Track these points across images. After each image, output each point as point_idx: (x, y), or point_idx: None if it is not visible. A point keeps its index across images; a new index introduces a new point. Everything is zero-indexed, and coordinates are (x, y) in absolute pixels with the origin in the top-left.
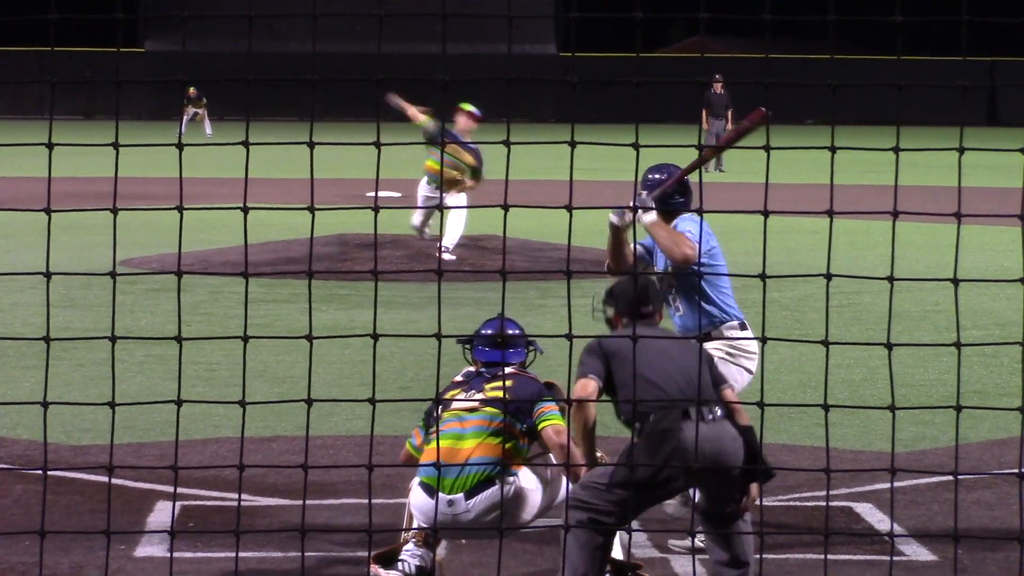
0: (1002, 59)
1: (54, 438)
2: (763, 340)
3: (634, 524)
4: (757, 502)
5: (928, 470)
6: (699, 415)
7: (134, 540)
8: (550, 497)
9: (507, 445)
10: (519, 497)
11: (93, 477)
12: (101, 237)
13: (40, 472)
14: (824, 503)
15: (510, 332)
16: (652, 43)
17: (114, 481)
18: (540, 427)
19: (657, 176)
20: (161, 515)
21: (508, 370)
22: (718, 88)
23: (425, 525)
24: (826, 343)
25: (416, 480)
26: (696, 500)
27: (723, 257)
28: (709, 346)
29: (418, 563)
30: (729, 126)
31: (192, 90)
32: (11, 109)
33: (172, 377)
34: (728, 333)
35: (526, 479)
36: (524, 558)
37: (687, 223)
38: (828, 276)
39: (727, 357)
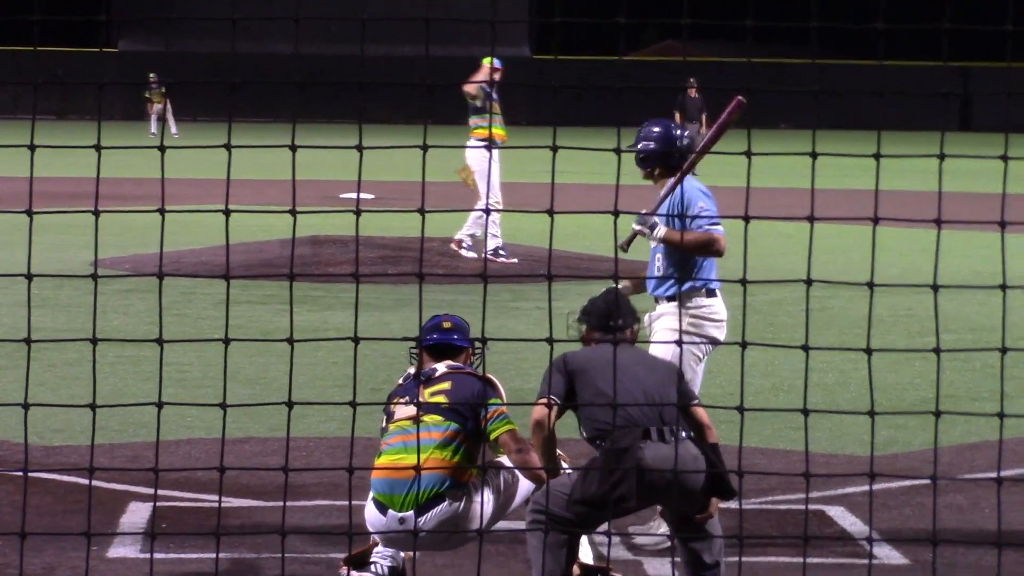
0: (976, 64)
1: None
2: (743, 345)
3: (605, 527)
4: (725, 505)
5: (905, 474)
6: (661, 435)
7: (106, 541)
8: (504, 502)
9: (455, 458)
10: (471, 509)
11: (65, 478)
12: (72, 237)
13: (10, 473)
14: (797, 506)
15: (454, 322)
16: (625, 47)
17: (87, 482)
18: (494, 435)
19: (656, 130)
20: (134, 516)
21: (443, 368)
22: (692, 92)
23: (379, 540)
24: (806, 348)
25: (370, 493)
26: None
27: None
28: (672, 324)
29: (390, 564)
30: (703, 130)
31: (152, 76)
32: None
33: (144, 378)
34: (695, 300)
35: (478, 490)
36: (497, 560)
37: (693, 192)
38: (808, 282)
39: (691, 328)
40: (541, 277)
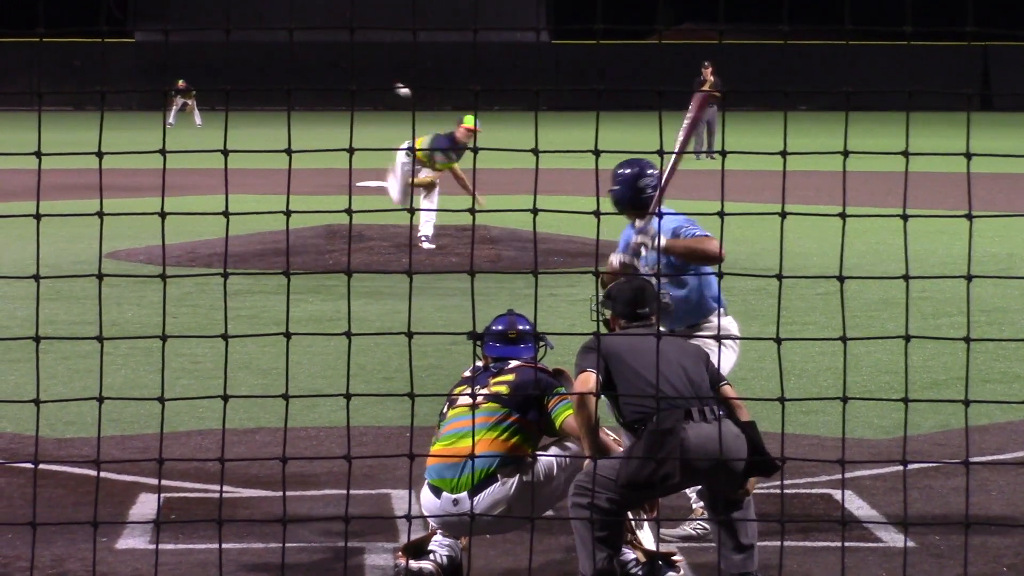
0: (995, 44)
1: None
2: (778, 341)
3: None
4: (758, 487)
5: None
6: (702, 415)
7: (115, 532)
8: (557, 487)
9: (512, 440)
10: (525, 490)
11: (76, 470)
12: (87, 229)
13: (24, 465)
14: (804, 490)
15: (520, 328)
16: (641, 30)
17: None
18: (559, 420)
19: (628, 171)
20: (143, 507)
21: (514, 363)
22: (707, 75)
23: (436, 525)
24: (843, 339)
25: (425, 479)
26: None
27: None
28: (700, 339)
29: (447, 553)
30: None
31: (181, 82)
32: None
33: (157, 369)
34: (713, 321)
35: (535, 470)
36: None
37: (678, 220)
38: (841, 278)
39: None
40: (558, 263)
